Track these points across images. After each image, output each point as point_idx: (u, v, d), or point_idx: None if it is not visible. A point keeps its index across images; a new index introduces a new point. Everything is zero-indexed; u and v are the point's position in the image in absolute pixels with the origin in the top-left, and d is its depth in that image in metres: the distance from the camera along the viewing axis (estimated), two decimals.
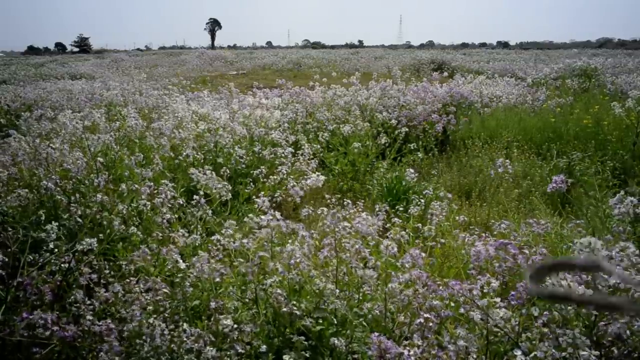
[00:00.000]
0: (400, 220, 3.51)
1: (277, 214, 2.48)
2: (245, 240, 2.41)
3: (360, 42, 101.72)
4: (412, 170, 4.70)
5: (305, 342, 2.04)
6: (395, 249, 2.26)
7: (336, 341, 1.92)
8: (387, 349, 1.59)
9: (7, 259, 2.50)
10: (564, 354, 1.46)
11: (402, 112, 8.29)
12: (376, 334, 1.68)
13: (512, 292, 1.94)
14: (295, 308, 2.15)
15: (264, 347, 2.03)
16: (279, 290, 2.19)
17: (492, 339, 1.78)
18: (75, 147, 4.50)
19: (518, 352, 1.53)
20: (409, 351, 1.60)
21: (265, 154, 5.75)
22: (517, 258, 1.87)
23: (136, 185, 3.83)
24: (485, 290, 1.78)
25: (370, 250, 2.52)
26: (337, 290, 2.26)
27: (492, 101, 9.67)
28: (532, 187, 5.51)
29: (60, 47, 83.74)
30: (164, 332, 2.03)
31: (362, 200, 4.81)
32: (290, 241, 2.49)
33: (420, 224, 3.57)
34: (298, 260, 2.33)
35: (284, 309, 2.14)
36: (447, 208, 3.54)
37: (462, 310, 1.83)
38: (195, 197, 3.57)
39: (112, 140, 4.48)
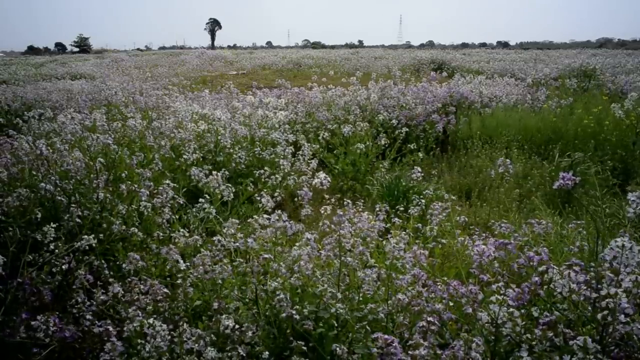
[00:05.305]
0: (401, 221, 3.51)
1: (284, 215, 2.48)
2: (250, 240, 2.41)
3: (360, 42, 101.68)
4: (418, 169, 4.58)
5: (305, 347, 2.04)
6: (402, 251, 2.26)
7: (338, 349, 1.91)
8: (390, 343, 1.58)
9: (6, 259, 2.49)
10: (574, 358, 1.45)
11: (402, 112, 8.28)
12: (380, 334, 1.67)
13: (511, 293, 1.93)
14: (295, 312, 2.14)
15: (266, 354, 2.03)
16: (282, 295, 2.19)
17: (493, 340, 1.78)
18: (75, 147, 4.50)
19: (524, 354, 1.52)
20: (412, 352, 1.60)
21: (265, 154, 5.75)
22: (532, 260, 1.86)
23: (136, 186, 3.82)
24: (497, 294, 1.77)
25: (371, 251, 2.52)
26: (339, 294, 2.26)
27: (492, 101, 9.66)
28: (533, 187, 5.50)
29: (60, 47, 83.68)
30: (164, 333, 2.02)
31: (362, 200, 4.81)
32: (296, 245, 2.49)
33: (420, 224, 3.57)
34: (303, 265, 2.33)
35: (283, 315, 2.14)
36: (449, 210, 3.53)
37: (469, 311, 1.82)
38: (200, 199, 3.57)
39: (111, 141, 4.47)
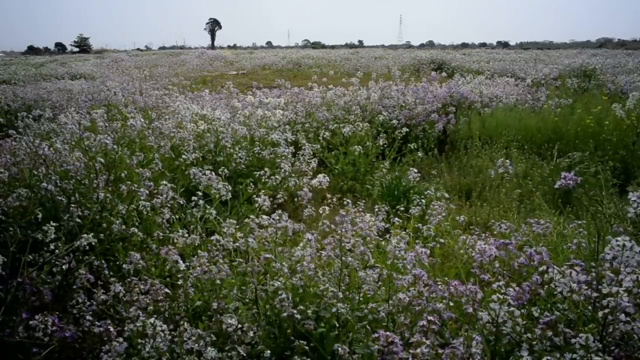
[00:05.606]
0: (401, 220, 3.51)
1: (285, 216, 2.48)
2: (250, 240, 2.41)
3: (360, 42, 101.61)
4: (415, 170, 4.69)
5: (306, 347, 2.03)
6: (403, 251, 2.26)
7: (339, 349, 1.91)
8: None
9: (6, 259, 2.49)
10: (574, 355, 1.45)
11: (402, 112, 8.29)
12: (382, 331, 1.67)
13: (512, 292, 1.93)
14: (296, 312, 2.14)
15: (267, 352, 2.03)
16: (283, 295, 2.19)
17: (494, 339, 1.78)
18: (76, 147, 4.49)
19: (525, 353, 1.52)
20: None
21: (265, 154, 5.75)
22: (532, 259, 1.86)
23: (136, 186, 3.82)
24: (498, 294, 1.77)
25: (371, 251, 2.52)
26: (340, 294, 2.26)
27: (492, 101, 9.66)
28: (533, 187, 5.50)
29: (60, 47, 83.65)
30: (164, 333, 2.02)
31: (363, 200, 4.81)
32: (299, 246, 2.49)
33: (420, 224, 3.57)
34: (305, 265, 2.33)
35: (285, 314, 2.14)
36: (446, 209, 3.53)
37: (470, 310, 1.82)
38: (194, 197, 3.56)
39: (111, 141, 4.46)
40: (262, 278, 2.46)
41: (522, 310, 1.84)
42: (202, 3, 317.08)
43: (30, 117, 5.40)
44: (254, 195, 3.47)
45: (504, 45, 79.51)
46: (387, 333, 1.66)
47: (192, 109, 7.09)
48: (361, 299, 2.39)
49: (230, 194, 3.83)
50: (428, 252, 2.44)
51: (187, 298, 2.52)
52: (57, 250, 2.91)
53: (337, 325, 2.23)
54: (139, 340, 2.00)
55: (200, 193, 3.69)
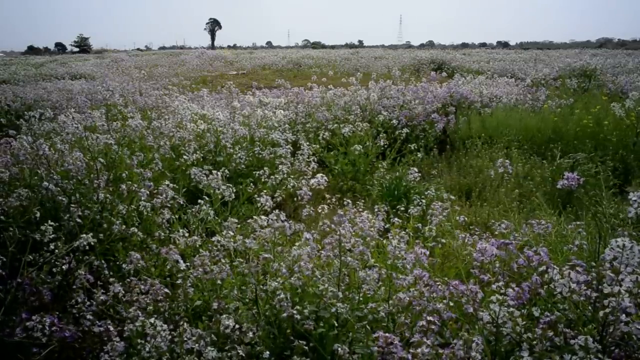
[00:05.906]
0: (401, 220, 3.51)
1: (282, 215, 2.47)
2: (248, 241, 2.40)
3: (360, 42, 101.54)
4: (415, 170, 4.69)
5: (306, 347, 2.03)
6: (403, 251, 2.26)
7: (339, 349, 1.91)
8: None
9: (6, 259, 2.49)
10: (574, 357, 1.45)
11: (402, 112, 8.29)
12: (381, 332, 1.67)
13: (512, 292, 1.92)
14: (296, 312, 2.14)
15: (267, 354, 2.03)
16: (282, 295, 2.19)
17: (494, 339, 1.78)
18: (75, 147, 4.49)
19: (525, 354, 1.52)
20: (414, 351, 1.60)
21: (265, 154, 5.75)
22: (531, 260, 1.86)
23: (136, 186, 3.82)
24: (498, 294, 1.77)
25: (371, 251, 2.51)
26: (339, 293, 2.26)
27: (492, 101, 9.66)
28: (533, 187, 5.50)
29: (60, 47, 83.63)
30: (164, 332, 2.02)
31: (362, 200, 4.80)
32: (296, 245, 2.48)
33: (420, 224, 3.56)
34: (303, 265, 2.33)
35: (284, 314, 2.13)
36: (449, 210, 3.53)
37: (470, 310, 1.82)
38: (200, 201, 3.57)
39: (112, 141, 4.46)
40: (262, 278, 2.46)
41: (523, 311, 1.84)
42: (202, 3, 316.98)
43: (35, 117, 5.41)
44: (254, 195, 3.47)
45: (504, 45, 79.47)
46: (386, 334, 1.66)
47: (192, 108, 7.09)
48: (361, 298, 2.39)
49: (232, 194, 3.83)
50: (427, 252, 2.44)
51: (187, 298, 2.52)
52: (57, 250, 2.90)
53: (337, 325, 2.23)
54: (139, 340, 2.00)
55: (206, 197, 3.70)
